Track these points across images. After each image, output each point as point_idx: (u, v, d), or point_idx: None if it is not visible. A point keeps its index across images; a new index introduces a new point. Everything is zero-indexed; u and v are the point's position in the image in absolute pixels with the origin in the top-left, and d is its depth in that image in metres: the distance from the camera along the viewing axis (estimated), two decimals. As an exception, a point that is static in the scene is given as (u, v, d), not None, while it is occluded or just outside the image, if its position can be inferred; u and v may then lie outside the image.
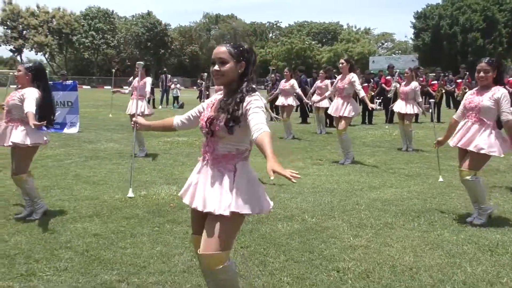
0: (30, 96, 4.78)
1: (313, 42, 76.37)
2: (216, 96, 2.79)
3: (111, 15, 76.33)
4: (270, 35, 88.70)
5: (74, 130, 12.71)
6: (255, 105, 2.50)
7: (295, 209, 5.32)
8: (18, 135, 4.81)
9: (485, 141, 4.62)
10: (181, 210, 5.26)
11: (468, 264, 3.75)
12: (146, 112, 8.98)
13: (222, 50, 2.60)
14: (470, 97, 4.84)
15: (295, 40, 73.73)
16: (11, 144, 4.83)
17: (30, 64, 5.18)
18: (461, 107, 5.00)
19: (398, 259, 3.86)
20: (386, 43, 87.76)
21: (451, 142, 4.96)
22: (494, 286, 3.38)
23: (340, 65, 8.27)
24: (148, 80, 8.99)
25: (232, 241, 2.67)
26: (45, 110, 4.99)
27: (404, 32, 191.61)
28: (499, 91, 4.63)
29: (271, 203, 2.71)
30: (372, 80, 15.73)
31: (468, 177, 4.72)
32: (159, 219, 4.95)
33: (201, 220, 2.70)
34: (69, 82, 14.23)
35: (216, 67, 2.59)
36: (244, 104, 2.53)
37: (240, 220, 2.64)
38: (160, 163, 8.25)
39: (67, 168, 7.72)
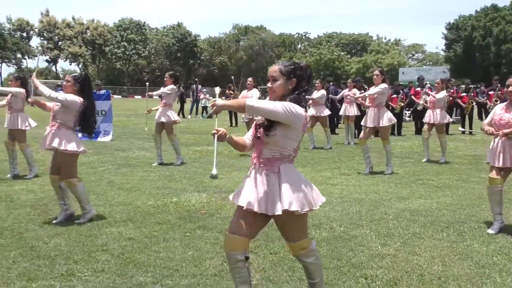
0: (66, 95, 5.12)
1: (342, 53, 76.21)
2: None
3: (143, 26, 78.08)
4: (299, 46, 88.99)
5: (107, 138, 13.07)
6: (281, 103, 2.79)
7: (323, 217, 5.39)
8: (58, 140, 5.07)
9: None
10: (211, 217, 5.40)
11: (498, 275, 3.76)
12: (169, 121, 9.16)
13: (274, 69, 2.92)
14: (500, 113, 4.85)
15: (324, 51, 73.75)
16: (51, 147, 5.10)
17: (77, 74, 5.44)
18: (489, 118, 5.03)
19: (427, 268, 3.89)
20: (416, 54, 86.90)
21: (497, 163, 4.91)
22: (523, 297, 3.39)
23: (375, 76, 8.34)
24: (169, 87, 9.15)
25: (301, 232, 3.02)
26: (88, 118, 5.28)
27: (436, 43, 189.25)
28: None
29: (323, 198, 3.09)
30: (401, 91, 15.63)
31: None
32: (190, 225, 5.10)
33: (246, 221, 2.93)
34: (103, 91, 14.67)
35: (269, 84, 2.92)
36: None
37: (300, 215, 2.92)
38: (190, 171, 8.43)
39: (101, 175, 7.97)
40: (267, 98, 3.02)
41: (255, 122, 3.03)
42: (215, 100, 2.83)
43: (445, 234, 4.82)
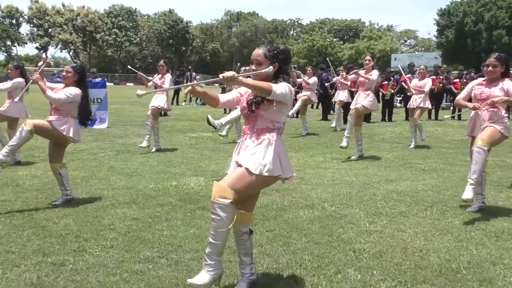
0: (68, 91, 5.37)
1: (335, 39, 76.35)
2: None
3: (134, 13, 77.64)
4: (291, 32, 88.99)
5: (103, 125, 13.32)
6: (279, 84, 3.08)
7: (315, 198, 5.73)
8: (63, 126, 5.36)
9: (502, 123, 5.07)
10: (210, 199, 5.70)
11: (474, 248, 4.11)
12: (165, 107, 9.51)
13: (258, 53, 3.18)
14: (479, 88, 5.22)
15: (316, 37, 73.87)
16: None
17: (76, 65, 5.67)
18: (464, 93, 5.46)
19: (410, 243, 4.24)
20: (409, 40, 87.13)
21: (466, 133, 5.40)
22: (496, 266, 3.73)
23: (367, 61, 8.73)
24: (167, 77, 9.51)
25: (242, 188, 3.09)
26: (85, 108, 5.58)
27: (428, 29, 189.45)
28: (507, 83, 5.07)
29: (294, 174, 3.32)
30: (392, 78, 15.96)
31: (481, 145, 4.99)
32: (190, 206, 5.41)
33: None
34: (98, 79, 14.88)
35: (253, 67, 3.17)
36: None
37: (267, 179, 3.16)
38: (187, 156, 8.72)
39: (101, 161, 8.25)
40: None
41: (246, 97, 3.30)
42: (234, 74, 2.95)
43: (428, 212, 5.17)
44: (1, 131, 8.26)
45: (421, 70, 10.51)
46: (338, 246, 4.17)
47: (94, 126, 13.02)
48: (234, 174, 3.14)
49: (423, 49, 77.21)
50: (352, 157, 8.61)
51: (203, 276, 3.08)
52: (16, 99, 7.42)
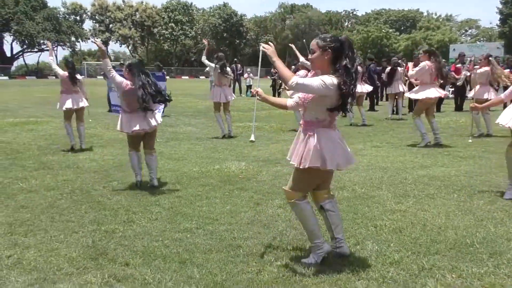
0: (117, 78, 5.89)
1: (391, 30, 74.75)
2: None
3: (190, 7, 79.25)
4: (346, 23, 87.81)
5: (159, 115, 14.00)
6: (320, 76, 3.31)
7: (347, 181, 6.02)
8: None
9: None
10: (248, 181, 6.14)
11: (493, 226, 4.30)
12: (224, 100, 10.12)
13: (313, 43, 3.41)
14: None
15: (371, 28, 72.59)
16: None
17: (128, 63, 6.09)
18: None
19: (430, 221, 4.48)
20: (470, 30, 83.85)
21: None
22: (510, 242, 3.92)
23: (419, 55, 8.87)
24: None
25: (300, 185, 3.54)
26: (145, 96, 5.76)
27: (490, 18, 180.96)
28: None
29: (353, 159, 3.68)
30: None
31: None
32: (229, 187, 5.86)
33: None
34: (158, 73, 15.63)
35: (309, 56, 3.45)
36: None
37: (313, 171, 3.42)
38: (232, 144, 9.20)
39: (153, 147, 8.86)
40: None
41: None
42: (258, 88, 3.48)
43: (456, 195, 5.36)
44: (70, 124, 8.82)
45: (480, 61, 10.26)
46: (361, 222, 4.48)
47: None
48: (291, 176, 3.60)
49: (484, 39, 74.07)
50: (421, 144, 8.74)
51: (311, 257, 3.59)
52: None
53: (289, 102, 3.81)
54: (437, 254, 3.70)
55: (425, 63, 8.48)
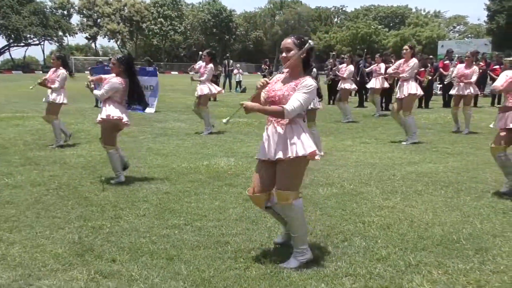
0: (111, 82, 5.85)
1: (380, 26, 74.98)
2: (280, 75, 3.59)
3: (179, 2, 78.79)
4: (335, 19, 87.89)
5: (152, 110, 13.85)
6: (302, 85, 3.33)
7: (336, 178, 6.04)
8: (105, 112, 5.87)
9: None
10: (237, 177, 6.13)
11: (479, 222, 4.34)
12: (209, 94, 10.01)
13: (288, 41, 3.39)
14: None
15: (360, 24, 72.77)
16: (100, 120, 5.91)
17: (121, 56, 6.09)
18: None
19: (418, 217, 4.51)
20: (458, 27, 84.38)
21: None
22: (496, 238, 3.96)
23: (404, 51, 8.86)
24: (209, 67, 9.93)
25: (297, 181, 3.45)
26: (137, 93, 6.04)
27: (478, 15, 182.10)
28: None
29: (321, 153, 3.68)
30: (429, 65, 15.85)
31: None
32: (218, 183, 5.84)
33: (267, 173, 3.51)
34: (149, 68, 15.47)
35: (283, 54, 3.39)
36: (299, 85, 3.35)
37: (306, 161, 3.42)
38: (221, 139, 9.17)
39: (141, 142, 8.83)
40: (280, 69, 3.60)
41: (272, 89, 3.47)
42: (243, 103, 3.32)
43: (443, 191, 5.40)
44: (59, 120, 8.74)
45: (467, 58, 10.32)
46: (349, 218, 4.49)
47: (146, 111, 13.55)
48: (282, 175, 3.41)
49: (472, 35, 74.59)
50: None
51: (292, 261, 3.48)
52: (56, 86, 8.24)
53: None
54: (424, 250, 3.72)
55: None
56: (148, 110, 13.56)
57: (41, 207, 4.87)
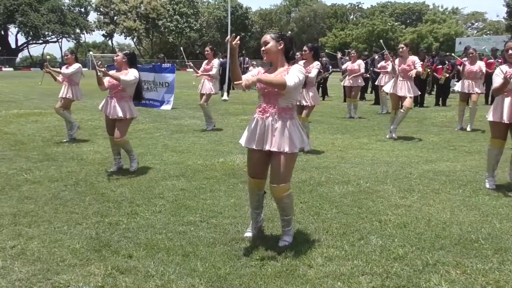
0: (131, 73, 6.03)
1: (396, 23, 74.26)
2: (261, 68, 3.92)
3: (195, 0, 78.90)
4: (351, 16, 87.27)
5: (168, 107, 13.92)
6: (293, 68, 3.60)
7: (352, 176, 6.00)
8: (124, 110, 6.05)
9: None
10: (253, 174, 6.11)
11: (498, 222, 4.28)
12: (212, 93, 10.04)
13: (266, 37, 3.69)
14: (509, 70, 5.16)
15: (376, 21, 72.15)
16: (119, 116, 6.06)
17: (127, 51, 6.35)
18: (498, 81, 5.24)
19: (435, 216, 4.46)
20: (476, 23, 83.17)
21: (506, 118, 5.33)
22: (515, 238, 3.90)
23: (400, 49, 8.84)
24: (215, 62, 9.93)
25: (291, 172, 3.74)
26: (138, 88, 6.31)
27: (497, 11, 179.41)
28: None
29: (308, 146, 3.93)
30: (447, 62, 15.65)
31: None
32: (233, 180, 5.84)
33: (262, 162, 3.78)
34: (167, 65, 15.52)
35: (262, 48, 3.68)
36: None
37: (296, 155, 3.71)
38: (237, 137, 9.11)
39: (157, 139, 8.87)
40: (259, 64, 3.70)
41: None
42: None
43: (461, 190, 5.33)
44: (70, 112, 8.99)
45: (471, 55, 10.24)
46: (365, 217, 4.46)
47: (161, 107, 13.62)
48: (278, 168, 3.63)
49: (491, 32, 73.46)
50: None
51: (285, 239, 3.84)
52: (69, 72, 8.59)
53: (244, 76, 3.73)
54: (442, 249, 3.68)
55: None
56: (164, 106, 13.78)
57: (59, 202, 4.93)
